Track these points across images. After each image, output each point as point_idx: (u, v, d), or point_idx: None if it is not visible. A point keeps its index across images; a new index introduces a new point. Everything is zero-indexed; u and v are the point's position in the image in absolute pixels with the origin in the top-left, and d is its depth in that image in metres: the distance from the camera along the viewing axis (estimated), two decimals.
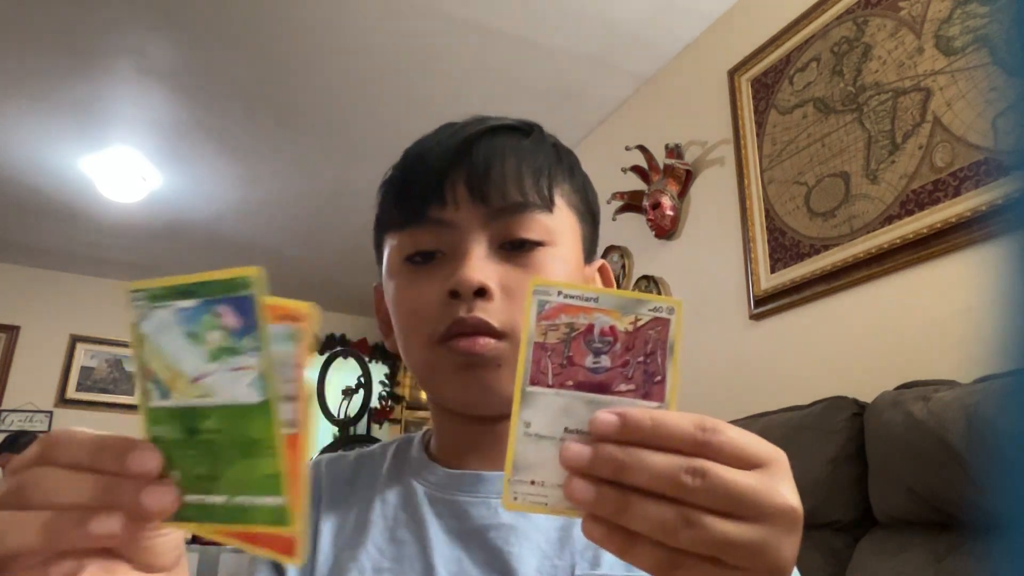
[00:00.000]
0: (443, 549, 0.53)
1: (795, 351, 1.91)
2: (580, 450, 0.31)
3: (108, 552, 0.30)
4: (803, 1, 2.05)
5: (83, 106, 3.03)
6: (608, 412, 0.32)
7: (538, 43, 2.57)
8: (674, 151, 2.44)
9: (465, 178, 0.54)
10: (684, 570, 0.31)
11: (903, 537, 1.24)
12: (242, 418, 0.31)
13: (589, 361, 0.32)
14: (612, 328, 0.33)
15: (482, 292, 0.52)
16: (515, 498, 0.32)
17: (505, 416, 0.35)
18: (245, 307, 0.31)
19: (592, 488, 0.31)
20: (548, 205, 0.56)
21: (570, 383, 0.33)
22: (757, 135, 2.15)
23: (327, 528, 0.57)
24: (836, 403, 1.47)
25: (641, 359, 0.33)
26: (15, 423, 4.54)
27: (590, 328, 0.33)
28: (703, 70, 2.46)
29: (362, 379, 5.06)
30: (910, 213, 1.63)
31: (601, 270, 0.64)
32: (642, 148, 2.50)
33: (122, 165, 3.48)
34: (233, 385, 0.31)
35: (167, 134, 3.26)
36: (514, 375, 0.33)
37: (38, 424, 4.53)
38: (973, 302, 1.41)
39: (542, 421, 0.32)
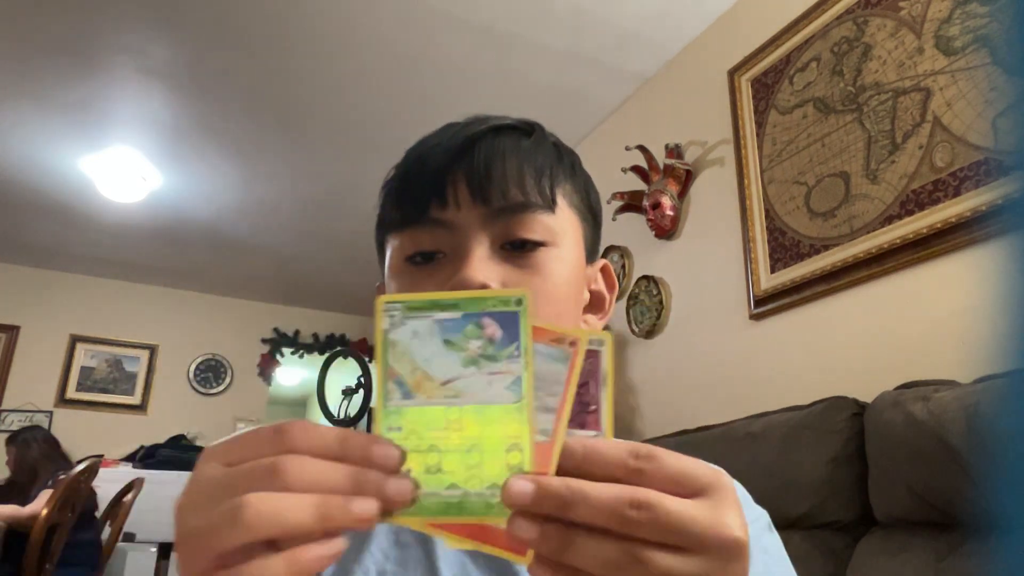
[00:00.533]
0: (447, 553, 0.53)
1: (795, 351, 1.91)
2: (522, 488, 0.31)
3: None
4: (803, 1, 2.05)
5: (83, 106, 3.03)
6: None
7: (538, 43, 2.57)
8: (674, 151, 2.44)
9: (466, 178, 0.54)
10: None
11: (903, 537, 1.24)
12: (494, 417, 0.33)
13: None
14: None
15: None
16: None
17: None
18: (510, 321, 0.34)
19: (535, 527, 0.30)
20: (550, 205, 0.55)
21: None
22: (757, 135, 2.15)
23: None
24: (836, 403, 1.47)
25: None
26: (15, 423, 4.54)
27: None
28: (703, 70, 2.46)
29: (362, 379, 5.07)
30: (910, 213, 1.63)
31: (603, 270, 0.64)
32: (642, 148, 2.50)
33: (122, 165, 3.49)
34: (488, 387, 0.33)
35: (167, 134, 3.26)
36: None
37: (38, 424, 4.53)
38: (973, 302, 1.41)
39: None
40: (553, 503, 0.30)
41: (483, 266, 0.52)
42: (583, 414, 0.33)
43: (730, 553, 0.31)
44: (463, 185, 0.54)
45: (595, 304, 0.62)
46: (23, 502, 3.05)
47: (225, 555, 0.29)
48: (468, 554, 0.53)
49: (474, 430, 0.33)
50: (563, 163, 0.59)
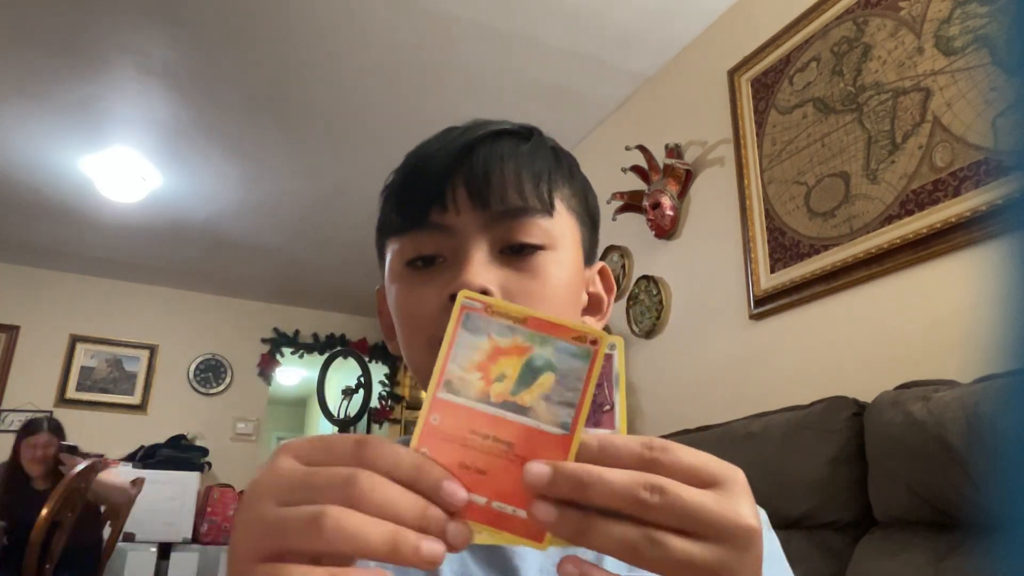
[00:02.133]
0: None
1: (795, 351, 1.91)
2: (541, 469, 0.31)
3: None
4: (803, 1, 2.05)
5: (83, 106, 3.03)
6: None
7: (538, 43, 2.57)
8: (674, 151, 2.44)
9: (465, 183, 0.55)
10: None
11: (903, 537, 1.24)
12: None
13: None
14: None
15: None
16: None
17: None
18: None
19: (554, 509, 0.31)
20: (548, 209, 0.56)
21: None
22: (757, 135, 2.15)
23: None
24: (836, 403, 1.47)
25: None
26: (15, 423, 4.54)
27: None
28: (703, 70, 2.46)
29: (362, 379, 5.07)
30: (910, 213, 1.63)
31: (602, 272, 0.65)
32: (642, 148, 2.50)
33: (122, 165, 3.49)
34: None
35: (167, 134, 3.26)
36: None
37: None
38: (973, 302, 1.41)
39: None
40: (569, 485, 0.31)
41: (482, 270, 0.53)
42: (598, 413, 0.35)
43: (744, 541, 0.32)
44: (462, 190, 0.55)
45: (593, 306, 0.63)
46: (27, 488, 3.06)
47: (284, 552, 0.30)
48: (467, 550, 0.53)
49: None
50: (561, 167, 0.60)
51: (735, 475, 0.33)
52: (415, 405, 5.66)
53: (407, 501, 0.31)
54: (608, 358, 0.35)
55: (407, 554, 0.30)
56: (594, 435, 0.33)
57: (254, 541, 0.31)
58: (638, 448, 0.32)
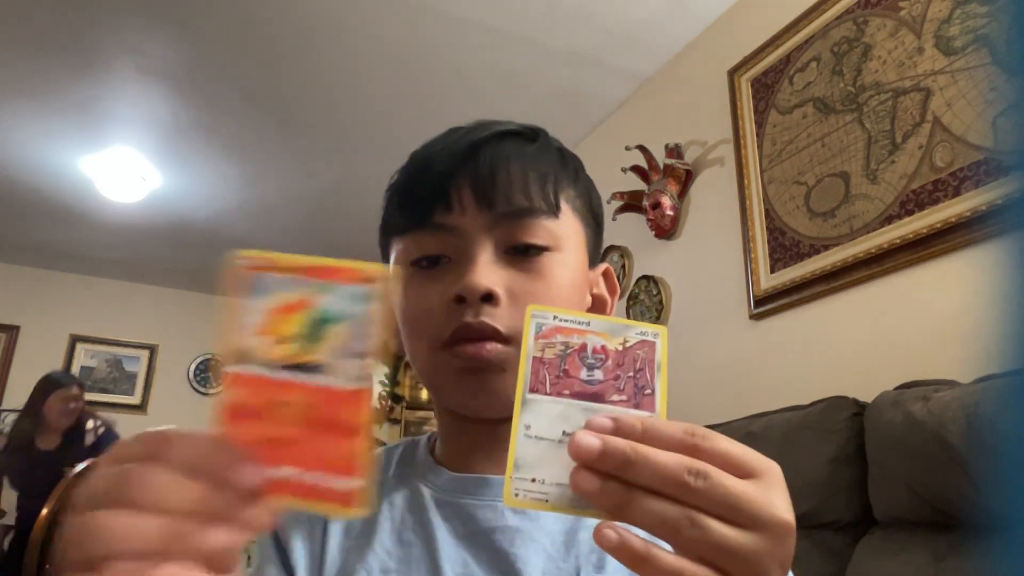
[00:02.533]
0: (449, 551, 0.53)
1: (795, 351, 1.91)
2: (590, 441, 0.32)
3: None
4: (803, 1, 2.05)
5: (83, 106, 3.03)
6: (603, 416, 0.33)
7: (538, 43, 2.57)
8: (674, 151, 2.44)
9: (471, 183, 0.55)
10: None
11: (903, 537, 1.24)
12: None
13: (583, 374, 0.35)
14: (603, 347, 0.36)
15: (489, 297, 0.52)
16: (516, 494, 0.33)
17: (509, 419, 0.36)
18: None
19: (597, 480, 0.32)
20: (553, 210, 0.56)
21: (566, 392, 0.35)
22: (757, 135, 2.15)
23: (335, 530, 0.57)
24: (836, 403, 1.47)
25: (631, 374, 0.35)
26: None
27: (583, 346, 0.36)
28: (703, 70, 2.46)
29: None
30: (910, 213, 1.63)
31: (605, 274, 0.65)
32: (642, 148, 2.50)
33: (122, 165, 3.49)
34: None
35: (167, 134, 3.26)
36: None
37: None
38: (973, 302, 1.41)
39: (541, 424, 0.35)
40: (616, 461, 0.31)
41: (488, 271, 0.53)
42: (639, 396, 0.35)
43: (779, 533, 0.32)
44: (468, 190, 0.55)
45: (597, 308, 0.63)
46: (33, 448, 3.00)
47: (83, 562, 0.28)
48: (470, 552, 0.53)
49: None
50: (566, 168, 0.60)
51: (772, 468, 0.33)
52: (416, 405, 5.66)
53: (183, 493, 0.29)
54: (651, 345, 0.36)
55: (185, 550, 0.28)
56: (637, 416, 0.34)
57: (66, 553, 0.30)
58: (680, 433, 0.32)
